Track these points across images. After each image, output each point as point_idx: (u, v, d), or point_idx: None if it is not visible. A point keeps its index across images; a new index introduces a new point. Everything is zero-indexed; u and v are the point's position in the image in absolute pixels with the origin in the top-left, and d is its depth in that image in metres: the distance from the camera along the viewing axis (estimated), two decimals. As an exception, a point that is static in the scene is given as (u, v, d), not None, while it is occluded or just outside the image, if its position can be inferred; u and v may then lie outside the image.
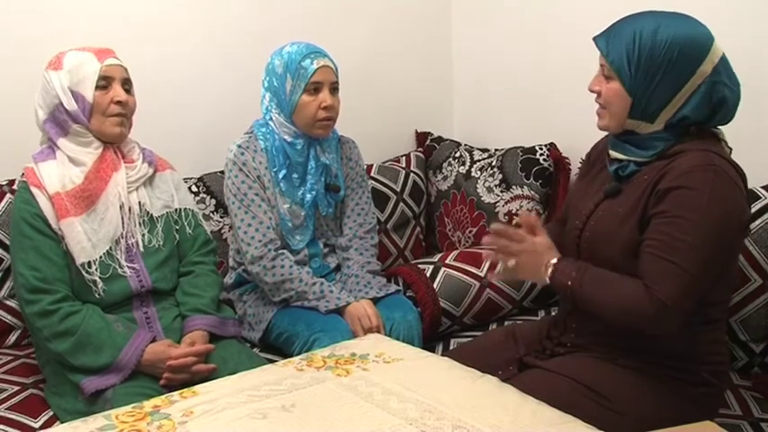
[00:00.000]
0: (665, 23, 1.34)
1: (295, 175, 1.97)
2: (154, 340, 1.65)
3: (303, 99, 1.89)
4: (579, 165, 1.60)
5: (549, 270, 1.41)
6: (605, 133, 1.53)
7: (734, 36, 1.90)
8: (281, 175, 1.95)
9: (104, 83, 1.66)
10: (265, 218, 1.91)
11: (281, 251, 1.91)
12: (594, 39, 1.42)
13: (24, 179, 1.68)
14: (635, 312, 1.31)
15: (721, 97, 1.34)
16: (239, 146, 1.94)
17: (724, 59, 1.35)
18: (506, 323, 2.04)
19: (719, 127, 1.42)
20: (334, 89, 1.93)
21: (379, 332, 1.79)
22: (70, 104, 1.64)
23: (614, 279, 1.36)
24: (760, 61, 1.88)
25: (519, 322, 1.89)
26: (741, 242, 1.41)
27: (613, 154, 1.45)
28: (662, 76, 1.32)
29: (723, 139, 1.42)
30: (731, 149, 1.43)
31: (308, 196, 1.97)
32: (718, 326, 1.45)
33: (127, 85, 1.71)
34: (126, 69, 1.71)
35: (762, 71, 1.88)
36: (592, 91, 1.44)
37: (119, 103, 1.66)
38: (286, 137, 1.94)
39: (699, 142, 1.36)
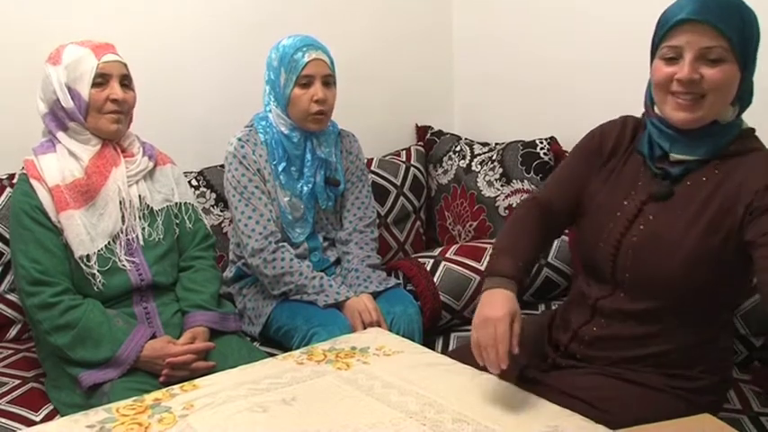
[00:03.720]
0: None
1: (293, 168, 1.97)
2: (153, 336, 1.65)
3: (295, 92, 1.89)
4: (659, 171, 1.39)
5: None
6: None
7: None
8: (280, 168, 1.94)
9: (101, 80, 1.65)
10: (266, 210, 1.91)
11: (281, 244, 1.91)
12: (694, 19, 1.22)
13: (24, 171, 1.68)
14: None
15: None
16: (239, 139, 1.94)
17: None
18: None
19: None
20: (327, 82, 1.91)
21: (379, 326, 1.79)
22: (67, 102, 1.64)
23: None
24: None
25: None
26: None
27: (676, 156, 1.30)
28: (755, 44, 1.25)
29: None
30: None
31: (306, 189, 1.96)
32: (730, 330, 1.40)
33: (126, 81, 1.70)
34: (125, 65, 1.70)
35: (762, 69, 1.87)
36: (689, 80, 1.23)
37: (114, 101, 1.65)
38: (283, 129, 1.94)
39: (750, 140, 1.30)
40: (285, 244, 1.92)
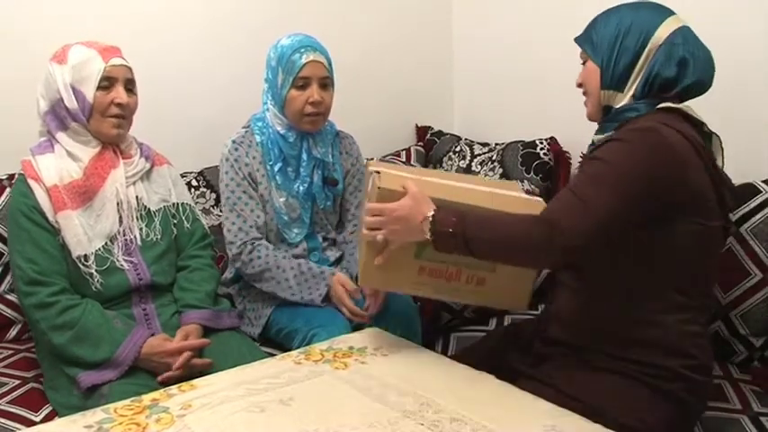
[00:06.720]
0: (623, 8, 1.43)
1: (290, 169, 1.97)
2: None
3: (291, 93, 1.88)
4: (580, 160, 1.56)
5: (428, 224, 1.33)
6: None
7: (739, 31, 1.91)
8: (276, 168, 1.94)
9: (107, 83, 1.65)
10: (251, 216, 1.91)
11: (257, 243, 1.90)
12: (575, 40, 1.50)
13: (22, 172, 1.68)
14: (524, 238, 1.29)
15: (682, 57, 1.35)
16: (234, 141, 1.94)
17: (684, 30, 1.37)
18: (507, 318, 2.04)
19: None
20: (324, 84, 1.90)
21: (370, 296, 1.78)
22: (71, 102, 1.64)
23: (503, 215, 1.36)
24: (762, 57, 1.87)
25: (519, 320, 1.88)
26: (663, 209, 1.31)
27: (595, 138, 1.47)
28: (622, 39, 1.39)
29: (694, 116, 1.38)
30: (703, 123, 1.39)
31: (301, 188, 1.96)
32: (695, 319, 1.36)
33: (130, 85, 1.70)
34: (130, 69, 1.71)
35: (763, 69, 1.87)
36: (579, 86, 1.51)
37: (119, 105, 1.66)
38: (279, 129, 1.94)
39: (659, 116, 1.35)
40: (262, 241, 1.91)
